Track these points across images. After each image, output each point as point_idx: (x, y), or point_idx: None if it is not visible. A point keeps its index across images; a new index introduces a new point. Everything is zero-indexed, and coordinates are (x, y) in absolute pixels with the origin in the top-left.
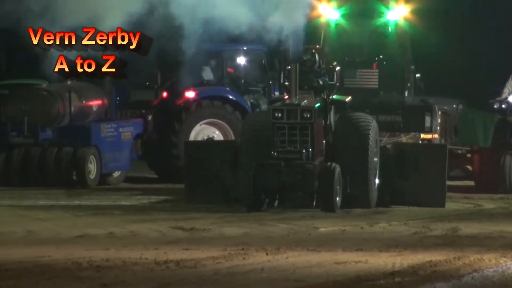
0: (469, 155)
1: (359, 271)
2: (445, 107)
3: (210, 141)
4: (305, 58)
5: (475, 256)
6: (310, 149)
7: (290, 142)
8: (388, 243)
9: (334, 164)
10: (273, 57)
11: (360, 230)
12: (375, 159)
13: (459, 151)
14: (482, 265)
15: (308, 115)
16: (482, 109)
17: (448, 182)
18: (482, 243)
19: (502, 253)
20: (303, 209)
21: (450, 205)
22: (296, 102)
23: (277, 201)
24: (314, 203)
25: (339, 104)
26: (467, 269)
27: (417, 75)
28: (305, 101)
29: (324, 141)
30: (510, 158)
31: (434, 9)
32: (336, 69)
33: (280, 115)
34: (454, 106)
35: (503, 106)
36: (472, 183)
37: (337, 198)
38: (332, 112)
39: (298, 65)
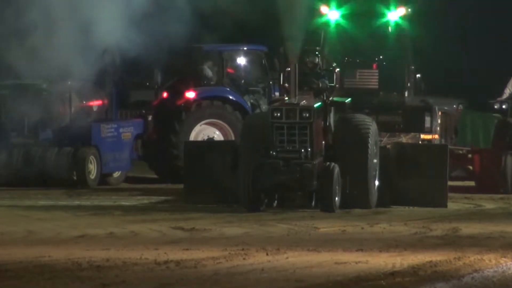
0: (470, 155)
1: (360, 271)
2: (446, 107)
3: (209, 141)
4: (306, 60)
5: (475, 257)
6: (309, 149)
7: (289, 141)
8: (388, 243)
9: (333, 164)
10: (273, 57)
11: (361, 230)
12: (375, 160)
13: (460, 152)
14: (482, 265)
15: (307, 115)
16: (483, 110)
17: (449, 182)
18: (483, 243)
19: (502, 254)
20: (303, 209)
21: (450, 205)
22: (295, 102)
23: (276, 201)
24: (313, 203)
25: (339, 105)
26: (467, 269)
27: (418, 75)
28: (304, 101)
29: (323, 142)
30: (510, 158)
31: (435, 9)
32: (336, 71)
33: (279, 114)
34: (454, 106)
35: (504, 106)
36: (472, 183)
37: (336, 198)
38: (332, 114)
39: (297, 65)
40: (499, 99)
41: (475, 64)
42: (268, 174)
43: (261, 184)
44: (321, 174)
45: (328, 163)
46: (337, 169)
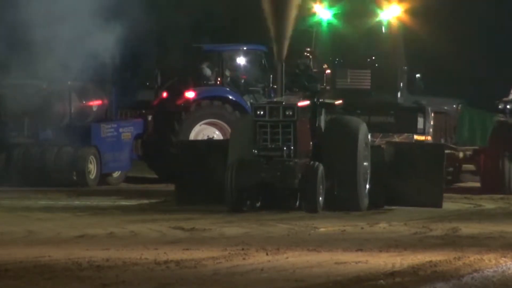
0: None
1: (359, 271)
2: (445, 107)
3: (203, 140)
4: (298, 61)
5: (475, 256)
6: (292, 147)
7: (272, 140)
8: (388, 243)
9: (317, 163)
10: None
11: (360, 230)
12: (365, 163)
13: (461, 153)
14: (482, 265)
15: (291, 113)
16: (482, 109)
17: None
18: (482, 243)
19: (502, 253)
20: (288, 210)
21: (450, 205)
22: (280, 101)
23: (259, 202)
24: (297, 203)
25: (328, 106)
26: (467, 269)
27: (417, 75)
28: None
29: (311, 143)
30: (509, 159)
31: (434, 8)
32: (326, 72)
33: (262, 112)
34: (454, 106)
35: (508, 106)
36: (473, 183)
37: (320, 198)
38: (322, 116)
39: (287, 66)
40: (505, 99)
41: (475, 64)
42: (249, 172)
43: (243, 182)
44: (305, 174)
45: (312, 162)
46: (321, 168)
